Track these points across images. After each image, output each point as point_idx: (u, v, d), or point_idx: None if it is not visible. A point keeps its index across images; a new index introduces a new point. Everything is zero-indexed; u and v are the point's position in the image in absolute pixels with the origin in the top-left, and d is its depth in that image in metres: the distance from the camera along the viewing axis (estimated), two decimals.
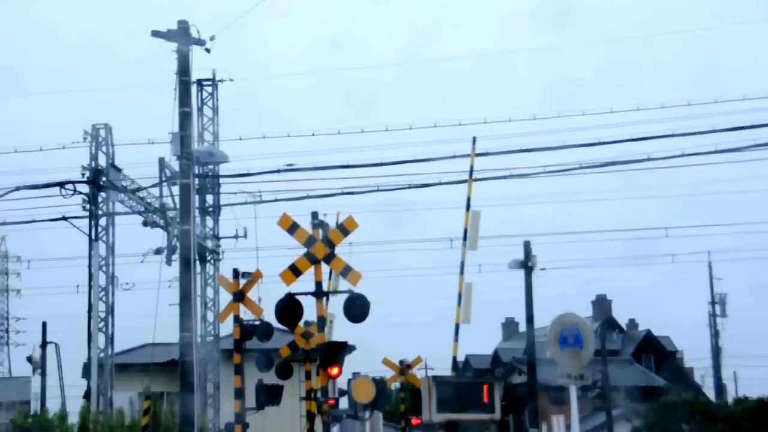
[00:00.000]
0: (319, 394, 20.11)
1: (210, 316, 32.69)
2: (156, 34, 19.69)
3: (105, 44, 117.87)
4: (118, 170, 29.31)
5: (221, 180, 32.78)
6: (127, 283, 31.35)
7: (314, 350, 22.16)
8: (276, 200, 30.76)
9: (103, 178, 28.81)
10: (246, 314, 22.25)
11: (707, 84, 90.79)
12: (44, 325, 40.31)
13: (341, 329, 30.44)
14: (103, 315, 28.72)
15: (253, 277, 22.31)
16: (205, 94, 32.93)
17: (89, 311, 28.62)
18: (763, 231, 59.94)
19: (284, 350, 25.38)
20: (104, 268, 28.94)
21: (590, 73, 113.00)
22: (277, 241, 23.90)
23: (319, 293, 18.75)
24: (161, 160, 28.04)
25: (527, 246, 32.46)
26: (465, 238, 32.45)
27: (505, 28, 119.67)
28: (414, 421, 32.32)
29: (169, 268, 25.93)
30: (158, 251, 28.07)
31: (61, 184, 28.55)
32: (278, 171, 30.62)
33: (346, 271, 18.51)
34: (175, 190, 25.49)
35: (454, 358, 33.40)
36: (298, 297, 18.53)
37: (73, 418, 26.37)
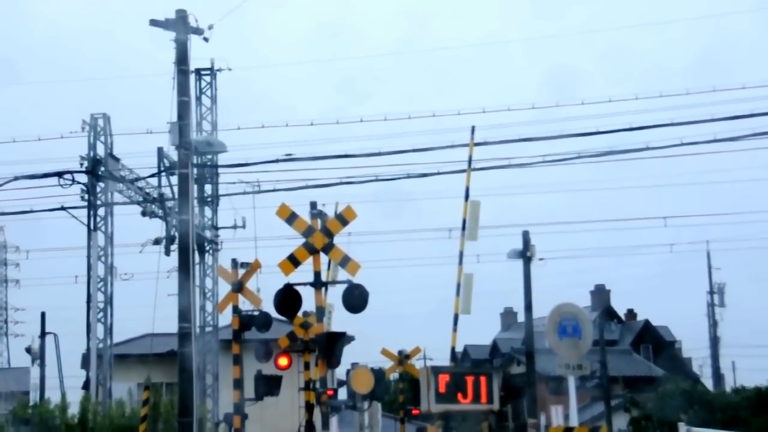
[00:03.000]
0: (317, 385, 20.11)
1: (209, 307, 32.71)
2: (154, 23, 19.60)
3: (102, 33, 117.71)
4: (117, 160, 29.30)
5: (220, 170, 32.78)
6: (125, 274, 31.37)
7: (313, 340, 22.14)
8: (275, 190, 30.76)
9: (102, 168, 28.81)
10: (245, 304, 22.23)
11: (706, 73, 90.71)
12: (43, 315, 40.28)
13: (340, 319, 30.45)
14: (102, 305, 28.73)
15: (252, 268, 22.28)
16: (203, 84, 32.90)
17: (88, 302, 28.63)
18: (761, 220, 60.18)
19: (283, 341, 25.36)
20: (103, 259, 28.93)
21: (589, 61, 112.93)
22: (275, 231, 23.92)
23: (318, 283, 18.76)
24: (160, 150, 28.01)
25: (526, 236, 32.43)
26: (464, 228, 32.40)
27: (504, 16, 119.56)
28: (412, 411, 32.34)
29: (168, 258, 25.95)
30: (157, 241, 28.06)
31: (59, 174, 28.53)
32: (277, 161, 30.58)
33: (345, 261, 18.50)
34: (174, 179, 25.48)
35: (453, 349, 33.39)
36: (297, 287, 18.53)
37: (73, 409, 26.42)
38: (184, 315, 18.80)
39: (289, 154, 30.66)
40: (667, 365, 58.20)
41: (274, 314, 20.48)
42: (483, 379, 22.31)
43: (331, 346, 18.20)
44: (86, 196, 28.83)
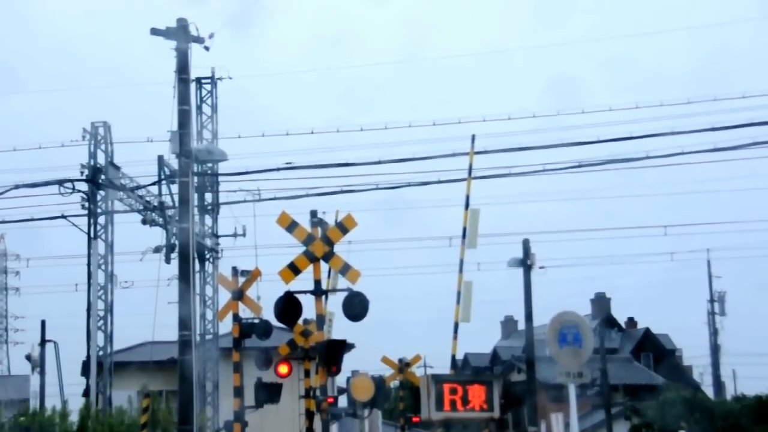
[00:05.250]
0: (318, 393, 20.12)
1: (209, 315, 32.68)
2: (155, 32, 19.66)
3: (104, 42, 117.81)
4: (117, 168, 29.33)
5: (220, 178, 32.77)
6: (126, 282, 31.41)
7: (313, 348, 22.15)
8: (275, 198, 30.76)
9: (102, 177, 28.82)
10: (245, 312, 22.23)
11: (706, 82, 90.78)
12: (43, 323, 40.24)
13: (340, 327, 30.46)
14: (102, 313, 28.73)
15: (252, 276, 22.29)
16: (204, 92, 32.90)
17: (88, 309, 28.63)
18: (762, 229, 60.16)
19: (283, 348, 25.38)
20: (103, 267, 28.94)
21: (590, 70, 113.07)
22: (276, 239, 23.93)
23: (318, 291, 18.78)
24: (160, 159, 28.03)
25: (526, 244, 32.43)
26: (464, 237, 32.42)
27: (505, 25, 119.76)
28: (413, 419, 32.33)
29: (168, 266, 25.94)
30: (157, 249, 28.05)
31: (60, 183, 28.55)
32: (277, 169, 30.61)
33: (345, 269, 18.54)
34: (174, 188, 25.50)
35: (453, 357, 33.39)
36: (297, 295, 18.55)
37: (73, 417, 26.41)
38: (185, 323, 18.83)
39: (290, 163, 30.71)
40: (667, 373, 58.20)
41: (275, 322, 20.49)
42: (483, 387, 22.37)
43: (332, 354, 18.21)
44: (86, 205, 28.84)
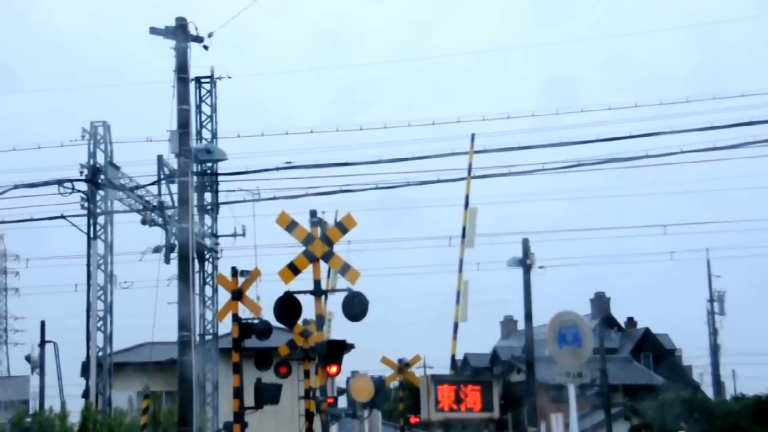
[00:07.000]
0: (317, 393, 20.09)
1: (209, 315, 32.66)
2: (154, 31, 19.63)
3: (103, 41, 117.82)
4: (117, 168, 29.29)
5: (220, 178, 32.76)
6: (125, 282, 31.35)
7: (313, 349, 22.13)
8: (274, 198, 30.74)
9: (102, 176, 28.80)
10: (245, 313, 22.18)
11: (706, 81, 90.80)
12: (43, 324, 40.21)
13: (340, 328, 30.45)
14: (101, 314, 28.70)
15: (252, 276, 22.23)
16: (203, 92, 32.89)
17: (88, 310, 28.61)
18: (761, 228, 60.13)
19: (283, 349, 25.35)
20: (103, 267, 28.91)
21: (589, 69, 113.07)
22: (275, 239, 23.92)
23: (318, 291, 18.78)
24: (160, 158, 27.99)
25: (526, 244, 32.41)
26: (463, 236, 32.40)
27: (504, 24, 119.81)
28: (412, 419, 32.33)
29: (168, 266, 25.92)
30: (157, 249, 28.02)
31: (59, 183, 28.53)
32: (277, 169, 30.60)
33: (345, 269, 18.53)
34: (174, 188, 25.47)
35: (453, 357, 33.39)
36: (297, 295, 18.54)
37: (72, 418, 26.38)
38: (184, 323, 18.80)
39: (289, 162, 30.70)
40: (667, 373, 58.13)
41: (274, 322, 20.46)
42: (483, 388, 22.37)
43: (331, 354, 18.19)
44: (86, 205, 28.82)
